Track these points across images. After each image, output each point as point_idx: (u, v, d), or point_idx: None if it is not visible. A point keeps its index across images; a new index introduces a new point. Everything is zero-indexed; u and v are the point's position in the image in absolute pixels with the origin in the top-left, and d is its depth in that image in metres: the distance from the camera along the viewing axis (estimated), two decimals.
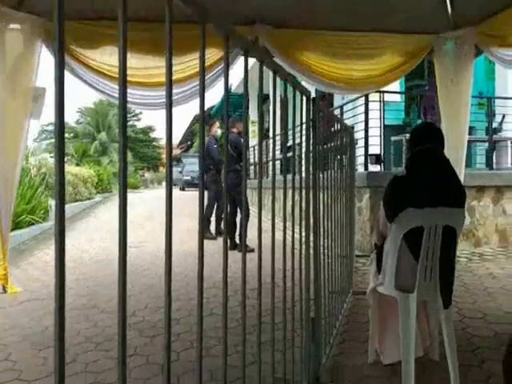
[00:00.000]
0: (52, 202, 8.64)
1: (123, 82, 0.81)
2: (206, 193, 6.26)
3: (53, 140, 0.67)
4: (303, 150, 2.22)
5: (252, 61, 1.50)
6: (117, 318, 0.81)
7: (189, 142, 37.87)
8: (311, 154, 2.17)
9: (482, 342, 2.81)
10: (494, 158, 7.57)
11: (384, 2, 4.22)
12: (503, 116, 8.14)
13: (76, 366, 2.54)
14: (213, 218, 7.37)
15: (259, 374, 1.48)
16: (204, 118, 1.13)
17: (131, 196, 14.67)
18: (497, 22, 4.26)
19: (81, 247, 6.77)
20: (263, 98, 15.10)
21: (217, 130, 7.41)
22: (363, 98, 6.51)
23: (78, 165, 21.70)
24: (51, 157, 13.92)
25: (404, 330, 2.13)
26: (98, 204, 14.64)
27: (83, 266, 5.40)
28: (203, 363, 1.09)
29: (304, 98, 2.05)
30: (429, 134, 2.32)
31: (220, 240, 6.96)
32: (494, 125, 7.80)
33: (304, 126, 2.16)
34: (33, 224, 7.84)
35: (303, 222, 2.08)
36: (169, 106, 0.96)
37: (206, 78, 4.14)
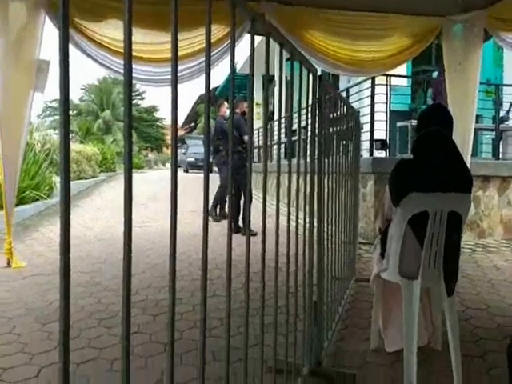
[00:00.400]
0: (56, 179, 8.64)
1: (129, 57, 0.79)
2: (214, 175, 6.24)
3: (57, 117, 0.67)
4: (308, 133, 2.19)
5: (257, 40, 1.45)
6: (120, 295, 0.81)
7: (193, 124, 37.69)
8: (316, 137, 2.14)
9: (484, 334, 2.81)
10: (501, 147, 7.47)
11: None
12: (511, 104, 8.01)
13: (80, 341, 2.57)
14: None
15: (261, 355, 1.49)
16: (209, 98, 1.10)
17: (135, 176, 14.56)
18: (506, 6, 4.16)
19: (85, 225, 6.80)
20: (269, 80, 14.89)
21: (226, 110, 7.36)
22: (369, 82, 6.40)
23: (81, 142, 21.66)
24: (55, 133, 13.89)
25: (407, 317, 2.10)
26: (101, 182, 14.64)
27: (87, 243, 5.43)
28: (206, 343, 1.10)
29: (310, 75, 2.02)
30: (437, 117, 2.28)
31: (223, 222, 6.97)
32: (502, 113, 7.68)
33: (309, 108, 2.12)
34: (37, 200, 7.86)
35: (307, 207, 2.07)
36: (174, 82, 0.93)
37: (212, 54, 4.07)
